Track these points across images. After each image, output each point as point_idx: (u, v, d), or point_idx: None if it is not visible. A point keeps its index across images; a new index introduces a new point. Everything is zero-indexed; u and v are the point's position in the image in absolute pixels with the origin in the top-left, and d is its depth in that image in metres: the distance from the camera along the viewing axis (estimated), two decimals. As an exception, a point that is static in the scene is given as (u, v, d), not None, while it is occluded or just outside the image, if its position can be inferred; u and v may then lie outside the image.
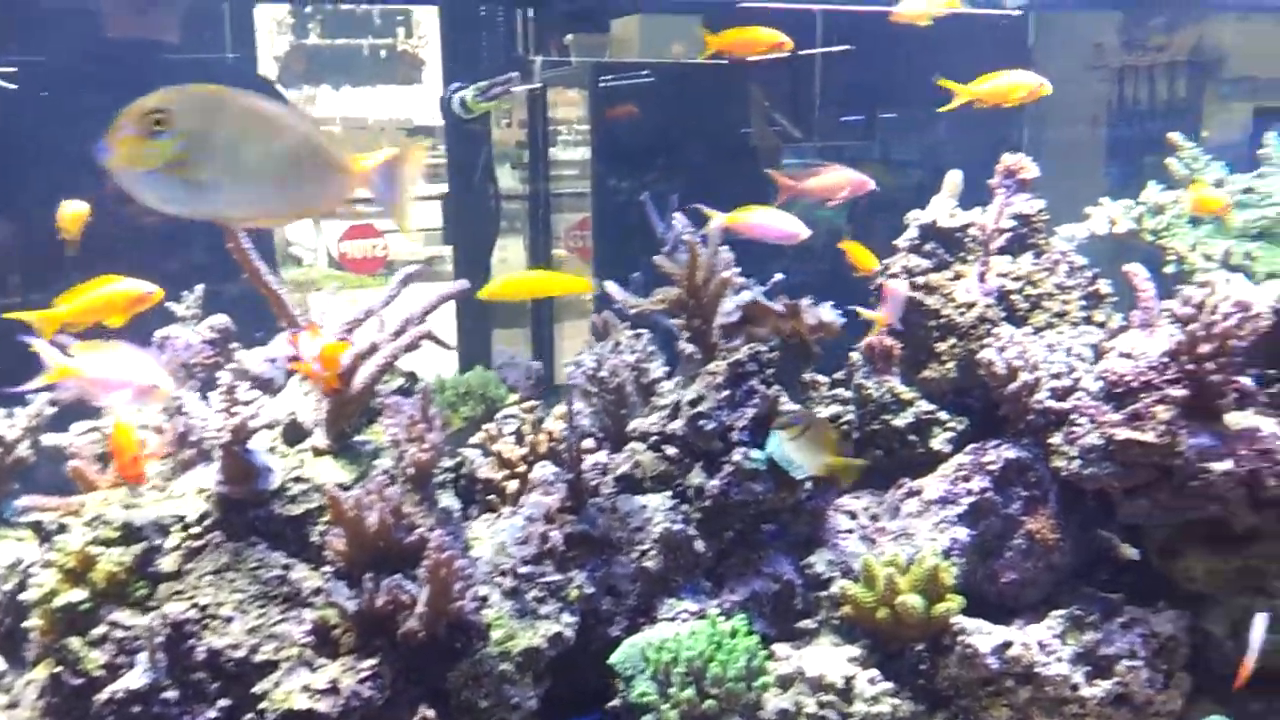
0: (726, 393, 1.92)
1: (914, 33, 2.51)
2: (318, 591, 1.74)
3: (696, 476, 1.92)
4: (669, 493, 1.92)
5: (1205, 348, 1.92)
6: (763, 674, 1.77)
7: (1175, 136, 2.62)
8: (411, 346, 1.94)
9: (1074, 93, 3.92)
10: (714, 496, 1.90)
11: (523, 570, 1.80)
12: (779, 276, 2.26)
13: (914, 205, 2.33)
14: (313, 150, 1.26)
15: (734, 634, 1.79)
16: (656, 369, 2.12)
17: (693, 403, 1.92)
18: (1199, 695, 2.01)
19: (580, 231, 3.77)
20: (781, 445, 1.89)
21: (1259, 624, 1.80)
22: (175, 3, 3.09)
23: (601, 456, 1.93)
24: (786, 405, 1.96)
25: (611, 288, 2.02)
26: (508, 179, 3.77)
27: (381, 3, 5.54)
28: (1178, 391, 1.96)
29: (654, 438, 1.96)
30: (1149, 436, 1.92)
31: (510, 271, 3.09)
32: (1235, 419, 1.98)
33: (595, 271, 3.56)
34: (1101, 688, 1.92)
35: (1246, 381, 2.05)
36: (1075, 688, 1.91)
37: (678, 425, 1.93)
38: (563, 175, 3.82)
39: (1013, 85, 2.39)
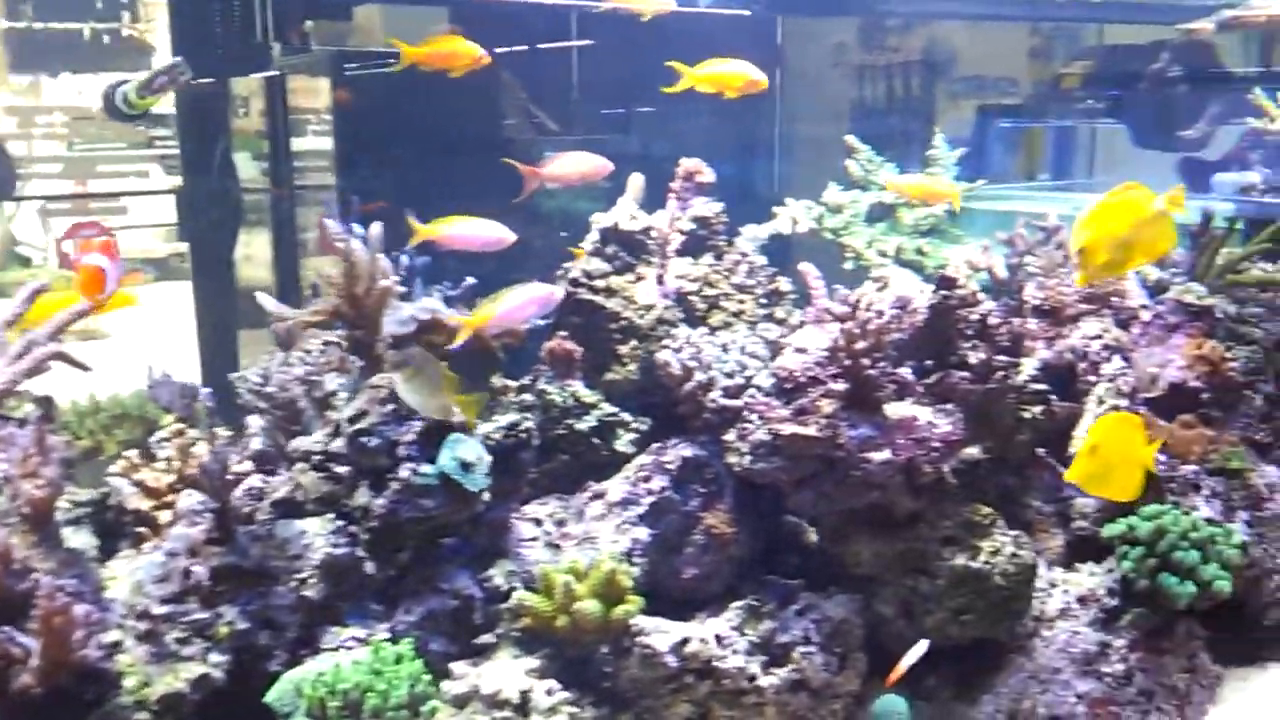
0: (391, 406, 1.83)
1: (668, 29, 2.52)
2: (-88, 653, 1.54)
3: (363, 496, 1.83)
4: (332, 515, 1.82)
5: (861, 344, 2.00)
6: (429, 698, 1.71)
7: (851, 139, 2.74)
8: (36, 370, 1.75)
9: (820, 91, 4.07)
10: (381, 516, 1.81)
11: (160, 611, 1.65)
12: (470, 281, 2.20)
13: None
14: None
15: (398, 659, 1.72)
16: (332, 381, 2.01)
17: (353, 419, 1.82)
18: (875, 674, 2.10)
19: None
20: (396, 387, 1.82)
21: (917, 649, 1.91)
22: None
23: (256, 480, 1.81)
24: (459, 416, 1.90)
25: (263, 298, 1.89)
26: (249, 169, 3.53)
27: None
28: (839, 386, 2.03)
29: (317, 457, 1.85)
30: (811, 430, 1.98)
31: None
32: (894, 410, 2.09)
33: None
34: (778, 676, 1.97)
35: (905, 374, 2.16)
36: (753, 678, 1.95)
37: (340, 443, 1.83)
38: (310, 167, 3.61)
39: (732, 74, 2.44)
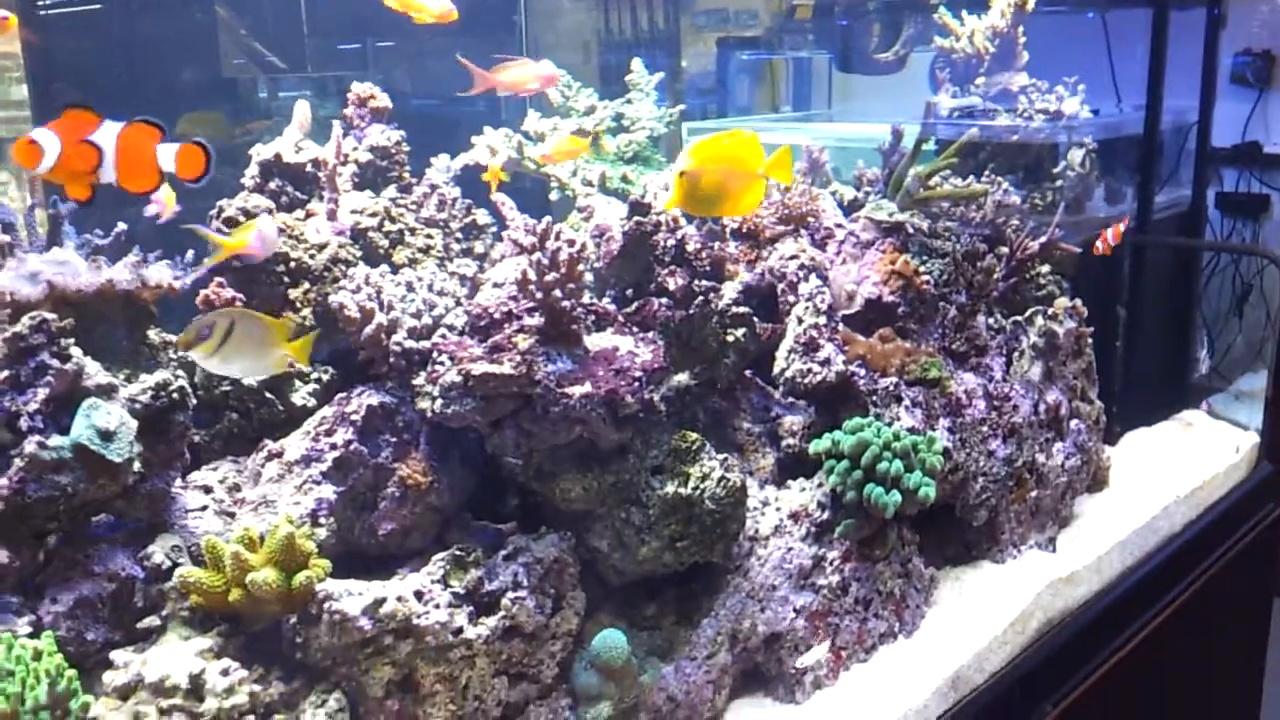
0: (8, 372, 1.61)
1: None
2: None
3: (-20, 476, 1.61)
4: (-57, 501, 1.59)
5: (551, 275, 1.92)
6: (76, 695, 1.52)
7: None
8: None
9: (565, 24, 3.95)
10: (6, 497, 1.59)
11: None
12: (121, 226, 1.97)
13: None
14: None
15: (37, 655, 1.52)
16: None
17: (-46, 390, 1.59)
18: (595, 610, 2.06)
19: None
20: (202, 364, 1.59)
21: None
22: None
23: None
24: (98, 378, 1.69)
25: None
26: None
27: None
28: (534, 320, 1.95)
29: (-80, 437, 1.61)
30: (505, 368, 1.89)
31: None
32: (594, 341, 2.03)
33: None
34: (488, 625, 1.88)
35: (605, 304, 2.11)
36: (459, 631, 1.85)
37: (-60, 419, 1.60)
38: (5, 118, 3.18)
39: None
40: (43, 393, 1.62)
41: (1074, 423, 2.76)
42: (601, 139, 2.47)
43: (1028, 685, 2.35)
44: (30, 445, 1.59)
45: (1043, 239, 2.69)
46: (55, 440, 1.61)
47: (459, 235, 2.15)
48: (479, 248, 2.19)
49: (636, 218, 2.09)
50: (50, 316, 1.63)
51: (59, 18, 3.08)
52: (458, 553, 1.92)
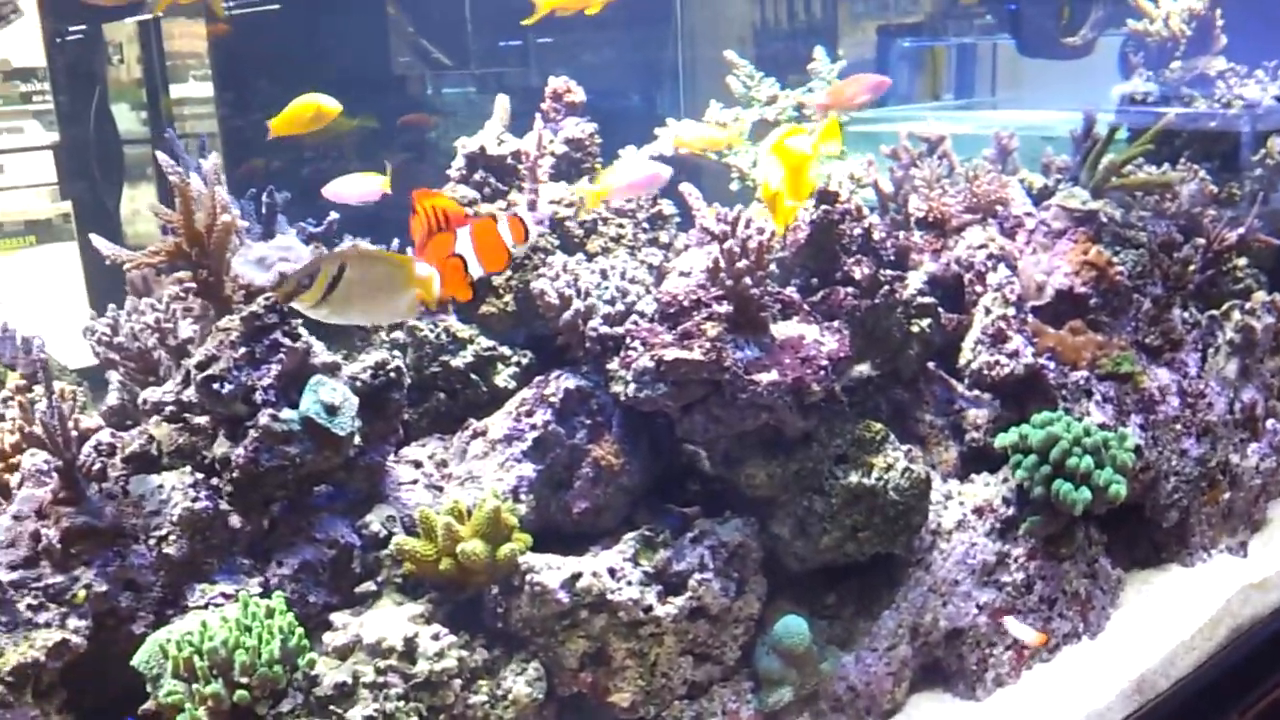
0: (244, 350, 1.73)
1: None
2: None
3: (221, 446, 1.73)
4: (189, 468, 1.72)
5: (742, 263, 1.95)
6: (304, 651, 1.64)
7: (730, 55, 2.67)
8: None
9: (721, 13, 3.97)
10: (242, 466, 1.72)
11: (9, 578, 1.55)
12: (334, 216, 2.10)
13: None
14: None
15: (270, 614, 1.64)
16: (188, 328, 1.90)
17: (202, 365, 1.72)
18: (776, 596, 2.08)
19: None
20: (310, 314, 1.47)
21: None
22: None
23: (106, 435, 1.70)
24: (323, 356, 1.80)
25: (98, 241, 1.77)
26: (128, 121, 3.35)
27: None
28: (723, 308, 1.98)
29: (170, 408, 1.75)
30: (696, 354, 1.93)
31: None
32: (780, 329, 2.04)
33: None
34: (675, 605, 1.93)
35: (791, 292, 2.12)
36: (649, 609, 1.91)
37: (192, 392, 1.73)
38: (192, 115, 3.43)
39: None
40: (275, 369, 1.74)
41: (1270, 423, 2.63)
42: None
43: (1214, 692, 2.27)
44: (264, 417, 1.72)
45: (1241, 230, 2.57)
46: (286, 414, 1.74)
47: (645, 225, 2.20)
48: (664, 237, 2.23)
49: (825, 206, 2.10)
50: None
51: (242, 18, 3.28)
52: (647, 533, 1.97)
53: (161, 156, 1.76)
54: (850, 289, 2.12)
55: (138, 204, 3.37)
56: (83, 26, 3.24)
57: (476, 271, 1.42)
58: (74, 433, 1.60)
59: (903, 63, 4.46)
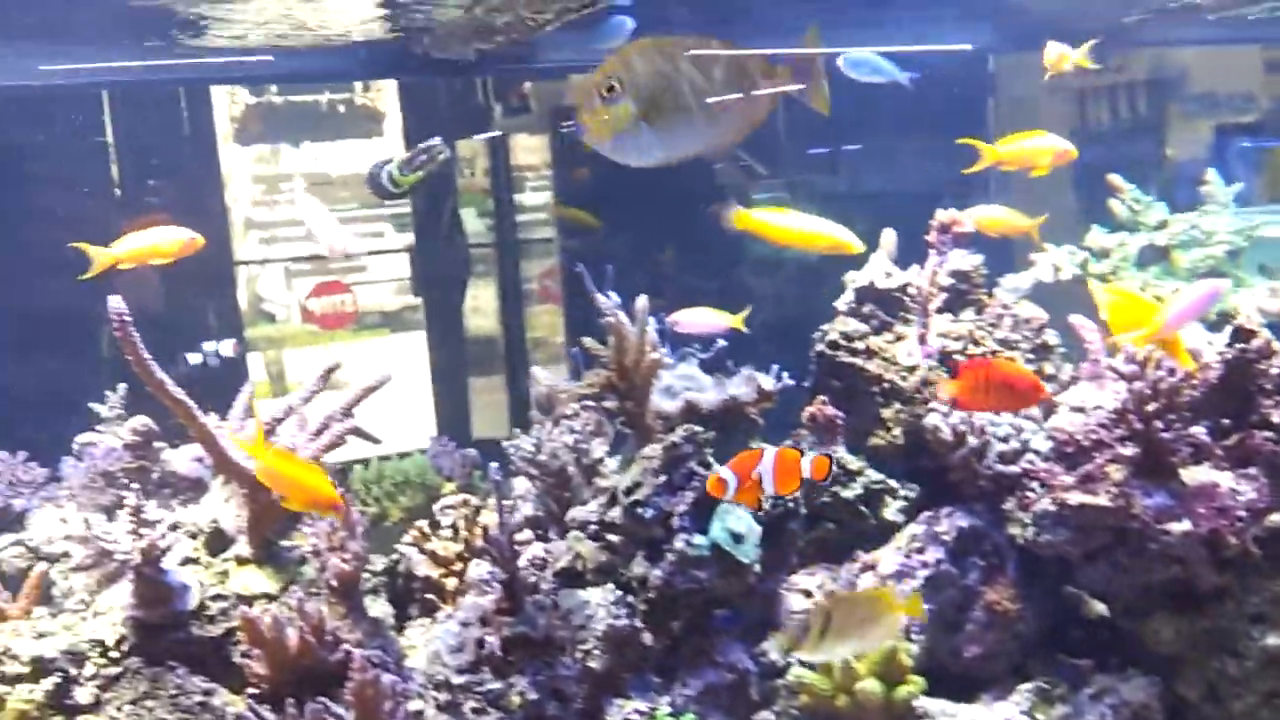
0: (664, 478, 1.84)
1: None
2: (240, 718, 1.64)
3: (639, 566, 1.84)
4: (611, 585, 1.84)
5: (1152, 405, 1.86)
6: (717, 776, 1.69)
7: (1114, 178, 2.58)
8: (334, 445, 1.86)
9: (1038, 117, 3.88)
10: (658, 587, 1.81)
11: (458, 681, 1.70)
12: (721, 344, 2.20)
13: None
14: (738, 67, 1.38)
15: (685, 735, 1.71)
16: (598, 449, 2.04)
17: (629, 490, 1.84)
18: (1178, 763, 1.94)
19: (548, 279, 3.71)
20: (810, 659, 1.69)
21: None
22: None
23: (539, 550, 1.85)
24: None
25: (536, 372, 1.94)
26: (475, 226, 3.72)
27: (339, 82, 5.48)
28: (1128, 450, 1.90)
29: (593, 527, 1.87)
30: (1102, 500, 1.86)
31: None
32: (1191, 475, 1.93)
33: (565, 316, 3.50)
34: (1074, 764, 1.84)
35: (1200, 434, 1.99)
36: (1046, 766, 1.83)
37: (616, 514, 1.85)
38: (531, 221, 3.77)
39: (1038, 149, 2.30)
40: (690, 496, 1.84)
41: None
42: (1173, 253, 2.36)
43: None
44: (679, 542, 1.81)
45: None
46: (698, 539, 1.82)
47: (1030, 356, 2.16)
48: (1048, 369, 2.18)
49: (1240, 344, 1.97)
50: (698, 429, 1.86)
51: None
52: (1044, 685, 1.90)
53: (600, 298, 1.92)
54: (1268, 433, 1.97)
55: (479, 301, 3.68)
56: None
57: (770, 490, 1.56)
58: (517, 549, 1.75)
59: (1239, 163, 4.15)
